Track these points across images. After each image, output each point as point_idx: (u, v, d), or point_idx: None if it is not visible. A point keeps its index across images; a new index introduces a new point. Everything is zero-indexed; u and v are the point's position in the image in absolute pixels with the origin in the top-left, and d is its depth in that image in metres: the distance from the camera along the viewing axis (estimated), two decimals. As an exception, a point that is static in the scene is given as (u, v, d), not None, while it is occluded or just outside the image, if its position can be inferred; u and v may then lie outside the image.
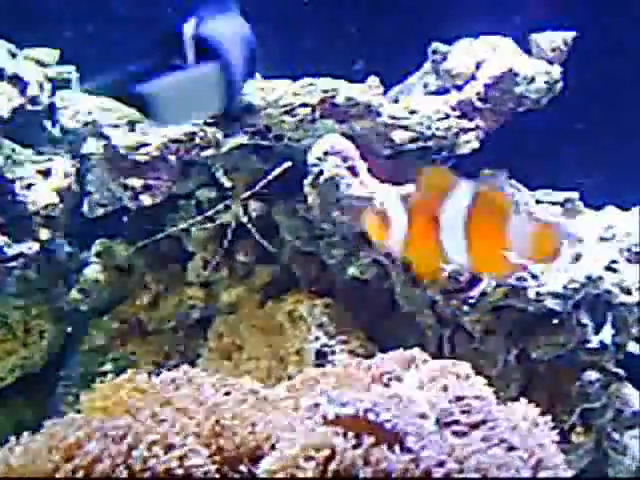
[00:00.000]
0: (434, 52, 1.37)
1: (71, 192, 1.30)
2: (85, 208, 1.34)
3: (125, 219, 1.45)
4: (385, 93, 1.59)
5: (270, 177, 1.17)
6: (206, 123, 1.05)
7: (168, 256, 1.52)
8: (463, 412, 0.53)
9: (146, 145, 1.04)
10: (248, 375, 1.27)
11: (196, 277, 1.45)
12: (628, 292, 0.94)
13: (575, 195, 1.21)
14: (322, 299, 1.17)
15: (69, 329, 1.50)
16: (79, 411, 0.73)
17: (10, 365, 1.46)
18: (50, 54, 1.54)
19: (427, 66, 1.47)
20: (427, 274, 0.63)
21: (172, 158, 1.08)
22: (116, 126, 1.07)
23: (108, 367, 1.46)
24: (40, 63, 1.51)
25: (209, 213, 1.31)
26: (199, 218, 1.38)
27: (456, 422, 0.52)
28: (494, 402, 0.59)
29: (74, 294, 1.44)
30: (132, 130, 1.10)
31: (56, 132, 1.51)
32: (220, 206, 1.38)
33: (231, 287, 1.46)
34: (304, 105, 1.08)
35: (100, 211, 1.35)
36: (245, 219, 1.28)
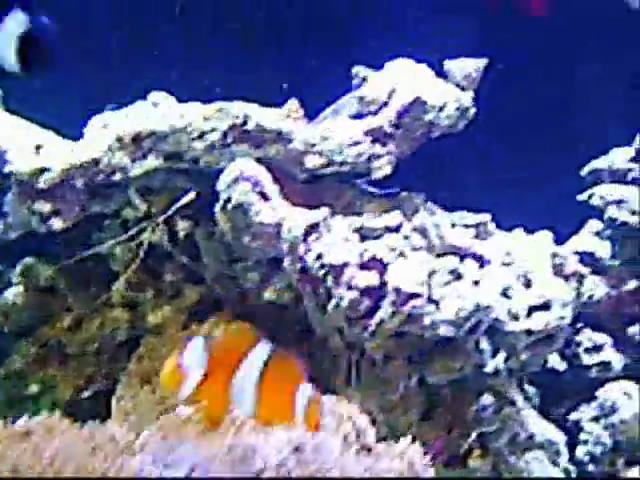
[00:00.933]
0: (356, 76, 1.39)
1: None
2: (2, 235, 1.31)
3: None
4: (322, 111, 1.62)
5: (175, 207, 1.17)
6: (111, 149, 1.04)
7: (93, 277, 1.50)
8: (299, 464, 0.54)
9: (47, 170, 1.03)
10: (162, 403, 1.28)
11: (121, 298, 1.44)
12: (516, 319, 0.97)
13: (487, 217, 1.24)
14: (237, 322, 1.17)
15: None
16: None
17: None
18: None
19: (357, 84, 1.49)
20: (213, 423, 0.66)
21: (79, 183, 1.07)
22: (20, 151, 1.05)
23: (32, 390, 1.44)
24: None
25: (131, 232, 1.30)
26: (123, 237, 1.36)
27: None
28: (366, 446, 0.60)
29: (-5, 319, 1.40)
30: (37, 153, 1.08)
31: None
32: (143, 225, 1.37)
33: (157, 308, 1.44)
34: (214, 131, 1.09)
35: (15, 234, 1.32)
36: (165, 240, 1.27)
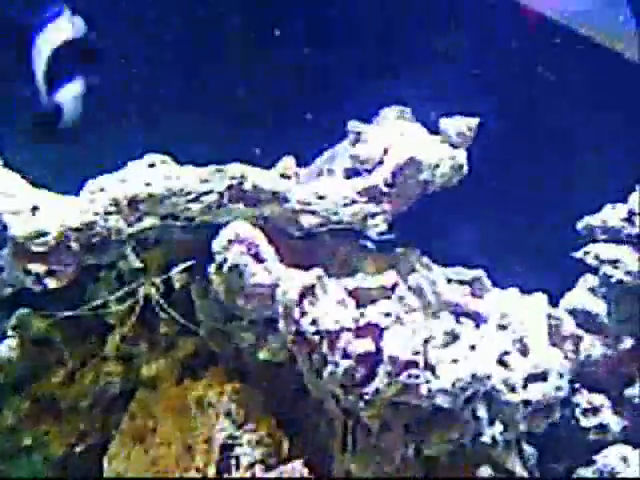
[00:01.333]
0: (351, 131, 1.41)
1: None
2: (-3, 291, 1.31)
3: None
4: (317, 156, 1.64)
5: (173, 273, 1.17)
6: (107, 212, 1.05)
7: (88, 329, 1.49)
8: None
9: (45, 235, 1.03)
10: (155, 464, 1.26)
11: (115, 351, 1.42)
12: (513, 389, 0.97)
13: (482, 274, 1.24)
14: (232, 384, 1.16)
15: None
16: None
17: None
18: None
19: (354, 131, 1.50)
20: None
21: (74, 245, 1.07)
22: (16, 212, 1.06)
23: (25, 445, 1.41)
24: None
25: (124, 290, 1.30)
26: (119, 294, 1.35)
27: None
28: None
29: (-13, 373, 1.38)
30: (34, 215, 1.08)
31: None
32: (139, 282, 1.37)
33: (152, 360, 1.43)
34: (210, 192, 1.09)
35: (8, 290, 1.32)
36: (156, 298, 1.26)
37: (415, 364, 0.90)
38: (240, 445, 1.04)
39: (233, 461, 1.01)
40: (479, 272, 1.23)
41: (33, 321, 1.42)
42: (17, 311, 1.43)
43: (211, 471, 1.04)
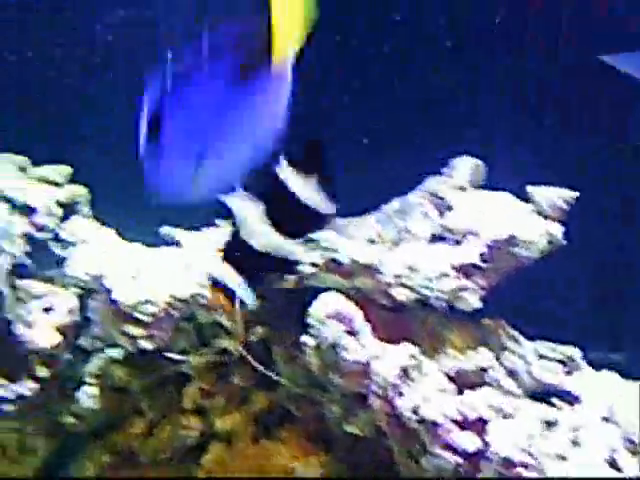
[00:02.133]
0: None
1: (73, 327, 1.31)
2: (85, 341, 1.34)
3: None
4: (385, 202, 1.61)
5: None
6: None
7: (165, 378, 1.51)
8: None
9: (150, 303, 1.05)
10: None
11: (192, 404, 1.44)
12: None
13: (578, 353, 1.20)
14: (318, 456, 1.15)
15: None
16: None
17: (2, 486, 1.43)
18: (61, 173, 1.57)
19: (430, 187, 1.48)
20: None
21: (176, 314, 1.09)
22: (117, 278, 1.08)
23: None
24: (51, 183, 1.54)
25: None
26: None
27: None
28: None
29: (68, 419, 1.41)
30: (135, 280, 1.11)
31: (63, 253, 1.52)
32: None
33: (226, 413, 1.44)
34: (307, 263, 1.10)
35: (99, 344, 1.35)
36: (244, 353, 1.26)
37: (525, 466, 0.87)
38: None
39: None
40: (573, 350, 1.19)
41: (114, 369, 1.45)
42: (96, 358, 1.46)
43: None
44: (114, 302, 1.09)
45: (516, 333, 1.24)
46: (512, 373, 1.09)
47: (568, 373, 1.18)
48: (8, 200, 1.37)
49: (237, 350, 1.37)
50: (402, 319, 1.21)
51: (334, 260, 1.13)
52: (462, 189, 1.39)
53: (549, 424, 0.99)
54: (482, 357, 1.08)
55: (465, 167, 1.48)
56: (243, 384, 1.43)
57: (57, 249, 1.46)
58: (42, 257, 1.46)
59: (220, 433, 1.43)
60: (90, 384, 1.43)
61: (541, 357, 1.22)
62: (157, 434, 1.44)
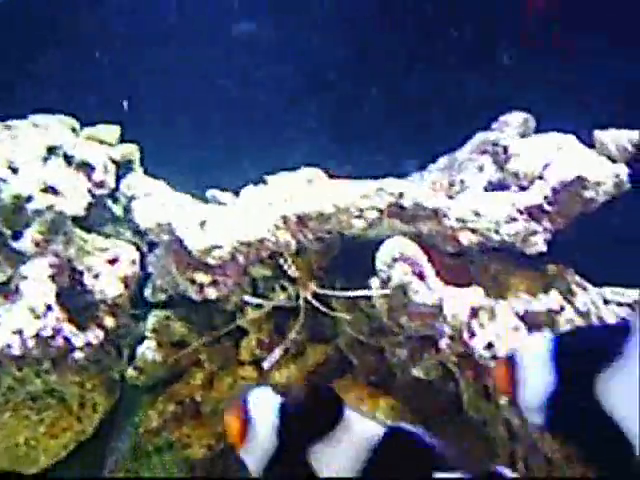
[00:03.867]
0: (494, 144, 1.37)
1: (135, 278, 1.33)
2: (147, 293, 1.36)
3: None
4: (433, 161, 1.60)
5: (349, 294, 1.15)
6: (277, 227, 1.07)
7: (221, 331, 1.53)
8: None
9: (218, 247, 1.06)
10: None
11: (250, 356, 1.46)
12: None
13: (645, 296, 1.18)
14: (385, 398, 1.16)
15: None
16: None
17: (65, 441, 1.48)
18: (112, 132, 1.59)
19: (479, 141, 1.46)
20: None
21: (241, 258, 1.09)
22: (187, 227, 1.09)
23: (160, 444, 1.47)
24: (103, 142, 1.56)
25: (275, 304, 1.30)
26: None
27: None
28: None
29: (130, 372, 1.45)
30: (202, 228, 1.11)
31: (119, 211, 1.55)
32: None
33: (283, 367, 1.45)
34: (372, 209, 1.09)
35: (162, 296, 1.37)
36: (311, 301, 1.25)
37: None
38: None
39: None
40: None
41: (172, 324, 1.47)
42: (155, 313, 1.49)
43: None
44: (185, 248, 1.09)
45: (579, 277, 1.22)
46: (583, 315, 1.08)
47: (634, 314, 1.16)
48: (66, 157, 1.38)
49: (301, 300, 1.35)
50: (464, 266, 1.20)
51: (398, 205, 1.12)
52: (520, 137, 1.37)
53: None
54: (550, 299, 1.07)
55: (515, 120, 1.45)
56: (299, 337, 1.44)
57: (115, 205, 1.49)
58: (101, 213, 1.49)
59: (277, 385, 1.45)
60: (150, 338, 1.47)
61: (607, 302, 1.20)
62: (216, 385, 1.46)
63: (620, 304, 1.18)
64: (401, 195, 1.11)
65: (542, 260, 1.25)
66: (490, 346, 0.96)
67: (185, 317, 1.48)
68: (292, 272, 1.21)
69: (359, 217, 1.08)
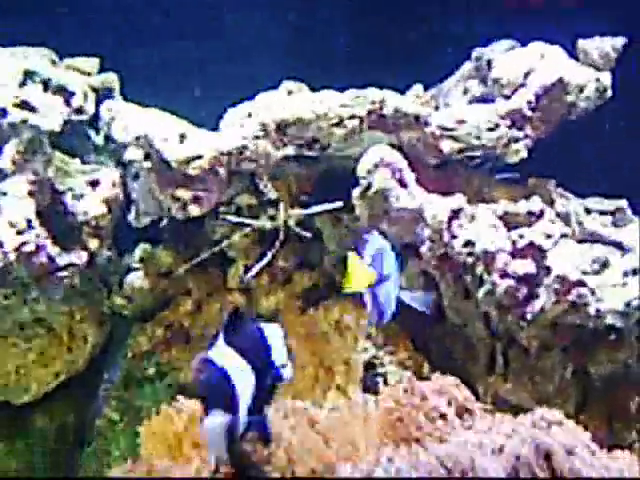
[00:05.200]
0: (477, 59, 1.35)
1: (118, 201, 1.32)
2: (131, 217, 1.35)
3: (164, 224, 1.47)
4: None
5: (320, 209, 1.16)
6: (256, 137, 1.05)
7: (209, 261, 1.53)
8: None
9: (198, 158, 1.05)
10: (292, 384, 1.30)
11: (237, 283, 1.46)
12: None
13: (624, 203, 1.18)
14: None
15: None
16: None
17: (55, 369, 1.49)
18: (91, 63, 1.56)
19: (465, 70, 1.45)
20: None
21: (222, 170, 1.09)
22: (165, 139, 1.08)
23: (151, 372, 1.49)
24: (82, 72, 1.53)
25: (256, 223, 1.31)
26: (248, 223, 1.36)
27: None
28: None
29: (119, 300, 1.45)
30: (182, 142, 1.10)
31: (100, 140, 1.53)
32: (269, 216, 1.37)
33: (271, 293, 1.47)
34: (352, 117, 1.08)
35: (146, 220, 1.36)
36: (291, 224, 1.26)
37: (584, 284, 0.87)
38: (383, 365, 1.06)
39: (379, 379, 1.03)
40: (622, 202, 1.18)
41: (159, 254, 1.48)
42: (141, 245, 1.49)
43: (353, 389, 1.07)
44: (165, 162, 1.09)
45: (561, 189, 1.23)
46: (565, 220, 1.08)
47: (617, 225, 1.17)
48: (44, 82, 1.36)
49: (280, 220, 1.35)
50: (446, 177, 1.20)
51: (381, 115, 1.11)
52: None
53: (597, 262, 0.99)
54: (535, 204, 1.07)
55: (501, 47, 1.43)
56: (284, 265, 1.45)
57: (97, 136, 1.47)
58: (83, 142, 1.47)
59: (266, 312, 1.46)
60: (137, 269, 1.47)
61: (589, 212, 1.21)
62: (205, 311, 1.48)
63: (602, 212, 1.19)
64: (382, 102, 1.09)
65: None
66: (468, 244, 0.97)
67: (172, 247, 1.48)
68: (271, 193, 1.21)
69: (339, 125, 1.07)
